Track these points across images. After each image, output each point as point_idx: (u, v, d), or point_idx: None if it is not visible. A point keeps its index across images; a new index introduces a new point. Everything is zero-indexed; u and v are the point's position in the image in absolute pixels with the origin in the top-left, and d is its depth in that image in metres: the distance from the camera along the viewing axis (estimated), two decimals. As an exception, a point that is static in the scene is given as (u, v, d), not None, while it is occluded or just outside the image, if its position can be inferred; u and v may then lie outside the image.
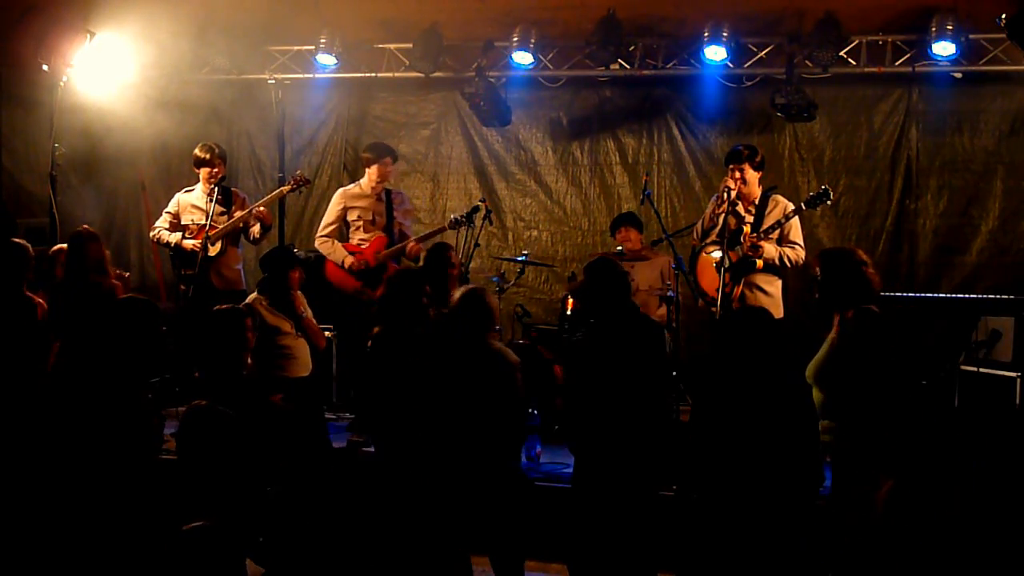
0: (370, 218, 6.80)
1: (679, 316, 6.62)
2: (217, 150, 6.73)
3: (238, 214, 6.59)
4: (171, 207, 6.75)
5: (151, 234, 6.91)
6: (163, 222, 6.74)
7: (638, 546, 4.27)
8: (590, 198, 8.44)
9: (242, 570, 4.05)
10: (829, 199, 5.92)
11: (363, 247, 6.76)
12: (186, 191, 6.81)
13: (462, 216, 6.68)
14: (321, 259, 6.86)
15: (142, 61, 7.74)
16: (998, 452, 5.34)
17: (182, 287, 6.64)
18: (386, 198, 6.86)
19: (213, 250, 6.53)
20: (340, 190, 7.05)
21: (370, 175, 6.83)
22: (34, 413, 4.08)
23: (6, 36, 7.22)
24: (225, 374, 4.51)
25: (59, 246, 6.31)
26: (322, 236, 6.85)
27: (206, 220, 6.55)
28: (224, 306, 4.79)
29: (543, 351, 6.57)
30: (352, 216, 6.83)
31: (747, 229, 5.88)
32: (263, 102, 8.47)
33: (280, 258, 5.78)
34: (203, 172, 6.68)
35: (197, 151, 6.75)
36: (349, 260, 6.68)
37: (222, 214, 6.64)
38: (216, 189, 6.60)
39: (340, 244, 6.79)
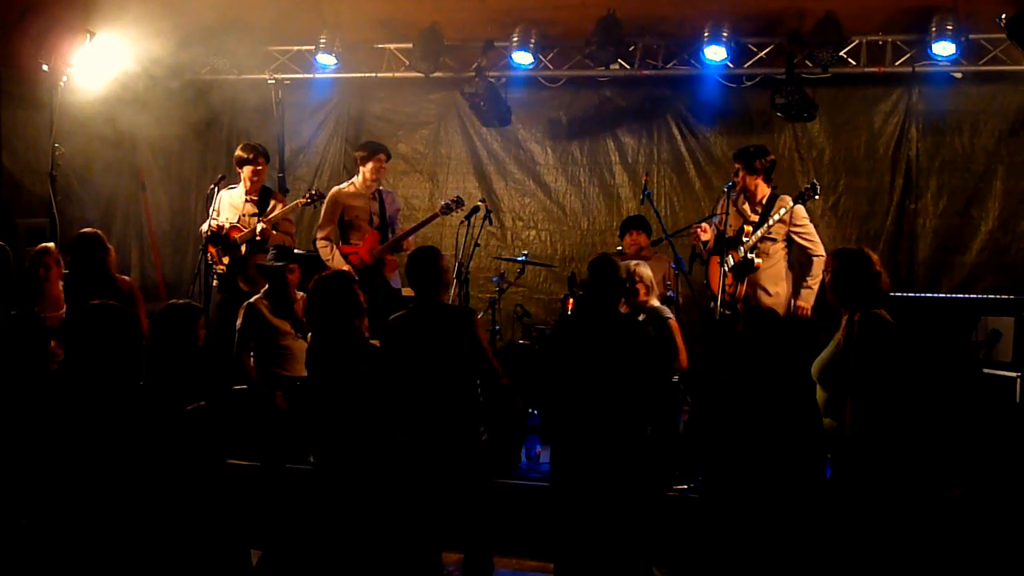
0: (367, 218, 6.83)
1: (679, 316, 6.61)
2: (260, 149, 6.73)
3: (259, 224, 6.54)
4: (214, 203, 6.61)
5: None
6: (206, 223, 6.67)
7: (615, 541, 4.30)
8: (589, 198, 8.44)
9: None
10: (817, 193, 5.95)
11: (358, 246, 6.79)
12: (230, 188, 6.79)
13: (452, 201, 6.76)
14: (321, 263, 6.86)
15: (142, 61, 7.74)
16: (999, 452, 5.35)
17: (215, 283, 6.64)
18: (379, 197, 6.89)
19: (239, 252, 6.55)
20: (334, 190, 7.00)
21: (364, 173, 6.84)
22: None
23: (6, 36, 7.22)
24: (173, 366, 4.53)
25: (45, 245, 6.27)
26: (322, 239, 6.85)
27: (236, 219, 6.59)
28: (179, 301, 4.82)
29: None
30: (349, 216, 6.84)
31: (748, 228, 5.89)
32: (263, 102, 8.47)
33: (277, 271, 5.73)
34: (245, 171, 6.69)
35: (239, 151, 6.76)
36: (347, 268, 6.62)
37: (254, 215, 6.64)
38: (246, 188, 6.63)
39: (338, 249, 6.80)
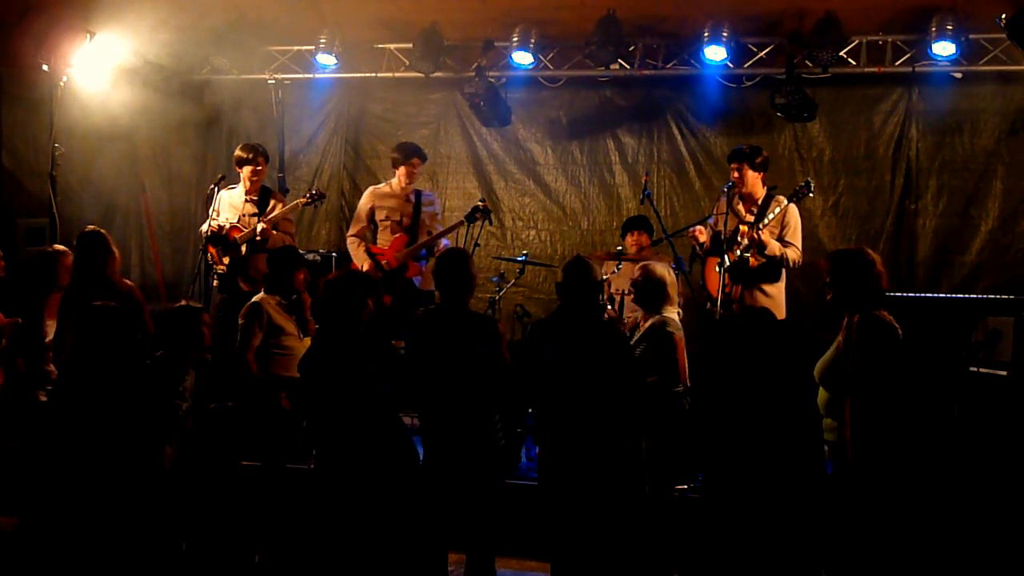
0: (397, 219, 6.86)
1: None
2: (259, 149, 6.72)
3: (260, 224, 6.53)
4: (214, 203, 6.60)
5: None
6: (206, 223, 6.66)
7: (597, 541, 4.31)
8: (589, 198, 8.44)
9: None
10: (810, 191, 5.95)
11: (386, 248, 6.82)
12: (230, 188, 6.77)
13: (478, 211, 6.66)
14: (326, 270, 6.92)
15: (142, 61, 7.73)
16: (998, 452, 5.35)
17: (215, 283, 6.65)
18: (415, 199, 6.91)
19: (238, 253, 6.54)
20: (370, 188, 7.12)
21: (399, 176, 6.88)
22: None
23: (6, 36, 7.21)
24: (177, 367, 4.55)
25: (62, 247, 6.27)
26: (351, 235, 6.94)
27: (235, 220, 6.59)
28: (181, 303, 4.82)
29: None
30: (380, 216, 6.89)
31: (744, 228, 5.89)
32: (263, 102, 8.47)
33: (286, 259, 5.77)
34: (244, 171, 6.68)
35: (238, 151, 6.75)
36: (367, 266, 6.71)
37: (254, 215, 6.64)
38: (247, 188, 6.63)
39: (363, 247, 6.83)
